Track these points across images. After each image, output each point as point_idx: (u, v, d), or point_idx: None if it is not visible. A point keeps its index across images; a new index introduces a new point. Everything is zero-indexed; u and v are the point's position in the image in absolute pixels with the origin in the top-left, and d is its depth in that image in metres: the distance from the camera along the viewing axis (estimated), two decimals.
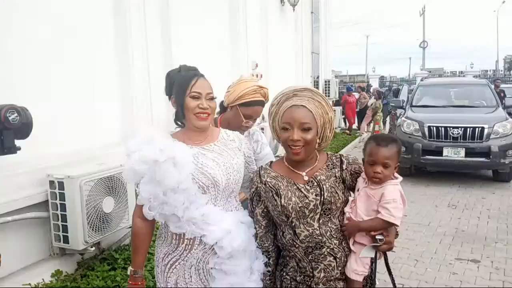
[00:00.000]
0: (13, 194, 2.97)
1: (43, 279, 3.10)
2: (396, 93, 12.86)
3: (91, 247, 3.22)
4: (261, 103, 2.21)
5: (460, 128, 6.93)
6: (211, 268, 1.68)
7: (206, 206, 1.63)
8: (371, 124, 12.23)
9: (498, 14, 40.04)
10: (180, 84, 1.66)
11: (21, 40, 3.19)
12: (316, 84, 11.54)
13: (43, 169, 3.19)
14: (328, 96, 12.53)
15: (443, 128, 7.04)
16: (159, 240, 1.77)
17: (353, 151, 10.88)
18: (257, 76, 7.49)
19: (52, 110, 3.41)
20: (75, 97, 3.64)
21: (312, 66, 11.07)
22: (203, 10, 5.80)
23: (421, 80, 10.87)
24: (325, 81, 12.45)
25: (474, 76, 14.31)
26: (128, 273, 1.75)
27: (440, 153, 6.97)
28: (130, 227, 3.42)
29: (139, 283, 1.72)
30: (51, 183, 3.09)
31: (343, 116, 14.67)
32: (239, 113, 2.16)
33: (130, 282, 1.73)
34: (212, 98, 1.68)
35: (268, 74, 8.00)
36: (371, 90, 16.74)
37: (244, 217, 1.74)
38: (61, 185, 3.05)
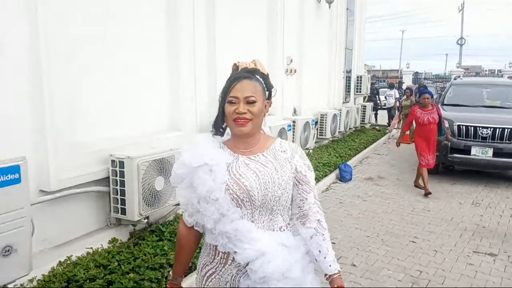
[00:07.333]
0: (81, 170, 3.45)
1: (101, 245, 3.58)
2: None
3: (144, 219, 3.68)
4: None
5: (489, 128, 7.06)
6: None
7: (241, 221, 1.50)
8: (401, 122, 12.33)
9: None
10: (223, 89, 1.58)
11: (90, 40, 3.64)
12: (348, 79, 11.70)
13: (105, 149, 3.66)
14: (360, 92, 12.67)
15: (472, 128, 7.18)
16: (203, 248, 1.68)
17: (382, 147, 11.05)
18: (290, 71, 7.83)
19: (112, 101, 3.90)
20: (132, 90, 4.12)
21: (345, 62, 11.24)
22: (244, 8, 6.16)
23: (454, 79, 10.87)
24: (357, 77, 12.60)
25: (509, 77, 14.07)
26: (169, 278, 1.77)
27: (468, 152, 7.12)
28: (176, 204, 3.90)
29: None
30: (113, 162, 3.55)
31: (374, 112, 14.70)
32: None
33: (168, 286, 1.76)
34: (253, 102, 1.52)
35: (302, 69, 8.31)
36: (403, 87, 16.66)
37: (289, 239, 1.55)
38: (121, 164, 3.50)
